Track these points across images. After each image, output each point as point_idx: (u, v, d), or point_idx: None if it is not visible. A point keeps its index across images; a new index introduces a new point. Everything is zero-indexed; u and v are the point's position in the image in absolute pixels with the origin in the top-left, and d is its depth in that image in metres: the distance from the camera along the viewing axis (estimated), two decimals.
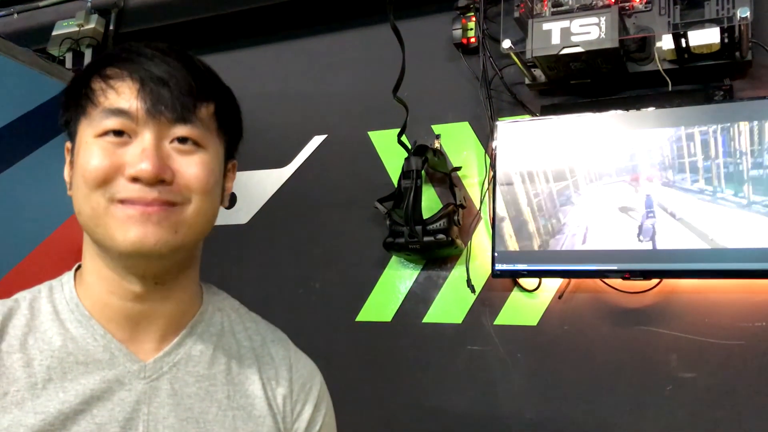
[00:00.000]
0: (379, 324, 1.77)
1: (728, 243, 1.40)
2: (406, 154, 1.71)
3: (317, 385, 0.89)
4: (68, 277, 0.79)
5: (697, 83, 1.55)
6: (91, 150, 0.72)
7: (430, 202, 1.78)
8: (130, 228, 0.70)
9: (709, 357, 1.43)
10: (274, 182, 2.00)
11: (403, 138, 1.68)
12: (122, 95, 0.72)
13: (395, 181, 1.82)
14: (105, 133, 0.71)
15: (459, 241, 1.67)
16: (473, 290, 1.64)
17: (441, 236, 1.64)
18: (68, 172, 0.77)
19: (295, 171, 2.00)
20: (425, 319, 1.73)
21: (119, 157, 0.71)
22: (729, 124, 1.44)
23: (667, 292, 1.49)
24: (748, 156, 1.42)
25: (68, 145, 0.77)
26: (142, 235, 0.70)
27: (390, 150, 1.87)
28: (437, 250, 1.66)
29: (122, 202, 0.70)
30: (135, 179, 0.70)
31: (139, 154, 0.71)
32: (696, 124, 1.47)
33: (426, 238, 1.64)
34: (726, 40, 1.41)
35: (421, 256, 1.74)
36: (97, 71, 0.74)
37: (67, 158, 0.78)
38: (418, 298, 1.75)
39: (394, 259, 1.80)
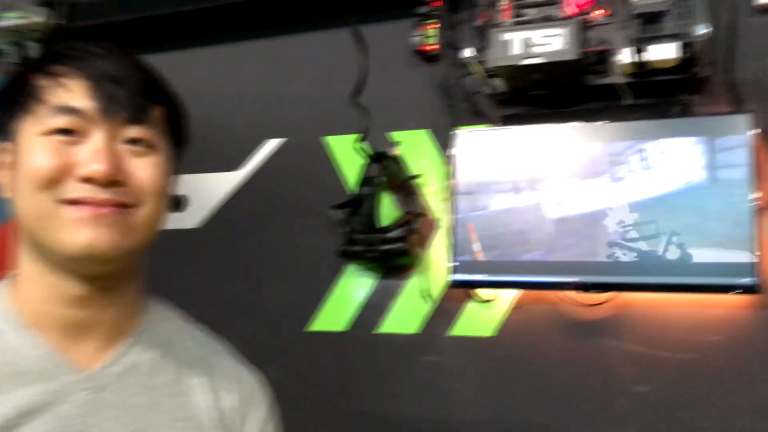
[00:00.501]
0: (333, 334, 1.73)
1: (685, 257, 1.41)
2: (363, 161, 1.68)
3: (265, 398, 0.88)
4: (2, 285, 0.75)
5: (655, 98, 1.56)
6: (36, 149, 0.69)
7: (389, 210, 1.75)
8: (81, 230, 0.68)
9: (664, 371, 1.43)
10: (227, 186, 1.94)
11: (363, 144, 1.65)
12: (73, 93, 0.70)
13: (352, 188, 1.79)
14: (52, 132, 0.69)
15: (417, 250, 1.64)
16: (431, 300, 1.62)
17: (400, 245, 1.61)
18: (4, 174, 0.73)
19: (249, 175, 1.95)
20: (380, 330, 1.70)
21: (69, 157, 0.69)
22: (685, 139, 1.45)
23: (622, 305, 1.49)
24: (703, 171, 1.43)
25: (5, 145, 0.73)
26: (93, 237, 0.68)
27: (348, 156, 1.84)
28: (395, 259, 1.64)
29: (72, 203, 0.68)
30: (87, 180, 0.68)
31: (91, 154, 0.69)
32: (653, 138, 1.49)
33: (384, 247, 1.61)
34: (684, 56, 1.43)
35: (378, 265, 1.71)
36: (43, 68, 0.71)
37: (3, 159, 0.73)
38: (374, 308, 1.71)
39: (349, 268, 1.76)
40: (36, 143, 0.69)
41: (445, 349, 1.62)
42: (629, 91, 1.53)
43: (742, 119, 1.41)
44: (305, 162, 1.89)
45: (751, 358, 1.37)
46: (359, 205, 1.67)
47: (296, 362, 1.74)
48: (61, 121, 0.69)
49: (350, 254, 1.64)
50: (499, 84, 1.65)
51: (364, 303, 1.72)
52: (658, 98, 1.56)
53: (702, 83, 1.51)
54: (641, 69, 1.48)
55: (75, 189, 0.68)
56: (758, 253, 1.36)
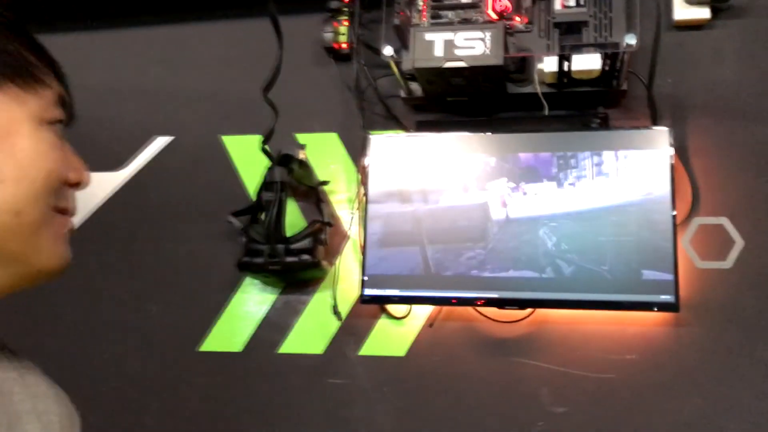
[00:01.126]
0: (227, 354, 1.56)
1: (603, 274, 1.37)
2: (263, 164, 1.53)
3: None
4: None
5: (574, 109, 1.52)
6: (45, 141, 0.60)
7: (293, 218, 1.60)
8: (62, 243, 0.65)
9: (580, 391, 1.38)
10: (108, 186, 1.72)
11: (267, 146, 1.50)
12: (57, 82, 0.64)
13: (252, 194, 1.63)
14: (54, 122, 0.62)
15: (325, 263, 1.51)
16: (339, 318, 1.49)
17: (306, 257, 1.47)
18: None
19: (134, 175, 1.74)
20: (281, 350, 1.55)
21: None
22: (605, 153, 1.42)
23: (539, 323, 1.44)
24: (622, 185, 1.41)
25: None
26: (68, 252, 0.66)
27: (246, 158, 1.68)
28: (300, 273, 1.49)
29: (62, 211, 0.64)
30: (76, 185, 0.65)
31: (77, 157, 0.65)
32: (571, 149, 1.44)
33: (288, 259, 1.47)
34: (607, 68, 1.39)
35: (280, 279, 1.56)
36: (32, 44, 0.62)
37: None
38: (274, 326, 1.56)
39: (247, 281, 1.60)
40: (41, 132, 0.60)
41: (353, 370, 1.49)
42: (548, 101, 1.49)
43: (661, 134, 1.40)
44: (199, 162, 1.71)
45: (670, 377, 1.35)
46: (260, 212, 1.52)
47: (187, 386, 1.55)
48: (61, 113, 0.63)
49: (249, 266, 1.48)
50: (416, 87, 1.56)
51: (264, 320, 1.57)
52: (577, 110, 1.52)
53: (620, 96, 1.49)
54: (563, 79, 1.44)
55: (66, 195, 0.64)
56: (676, 270, 1.34)
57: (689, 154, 1.47)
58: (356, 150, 1.61)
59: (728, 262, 1.40)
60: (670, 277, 1.34)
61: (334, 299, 1.49)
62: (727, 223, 1.42)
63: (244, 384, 1.54)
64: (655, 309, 1.34)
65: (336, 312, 1.49)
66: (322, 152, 1.66)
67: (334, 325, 1.52)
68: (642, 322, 1.39)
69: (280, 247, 1.47)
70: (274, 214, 1.47)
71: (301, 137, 1.67)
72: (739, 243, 1.40)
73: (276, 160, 1.52)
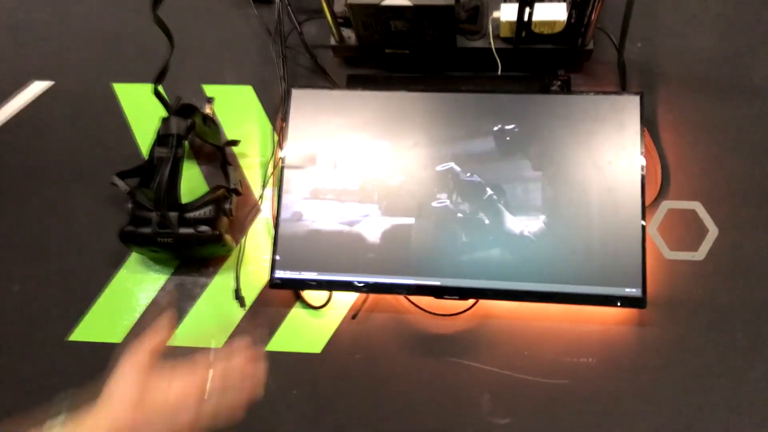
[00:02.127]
0: (105, 346, 1.26)
1: (560, 261, 1.15)
2: (163, 115, 1.25)
3: None
4: None
5: (532, 70, 1.31)
6: None
7: (195, 184, 1.33)
8: None
9: (528, 398, 1.16)
10: None
11: (161, 89, 1.21)
12: None
13: (145, 153, 1.35)
14: None
15: (228, 238, 1.24)
16: (242, 304, 1.22)
17: (204, 228, 1.20)
18: None
19: (2, 125, 1.42)
20: (174, 342, 1.26)
21: None
22: (564, 120, 1.21)
23: (482, 317, 1.21)
24: (586, 159, 1.20)
25: None
26: None
27: (141, 111, 1.40)
28: (198, 248, 1.22)
29: None
30: None
31: None
32: (527, 115, 1.22)
33: (183, 230, 1.19)
34: (573, 20, 1.18)
35: (174, 255, 1.28)
36: None
37: None
38: (166, 314, 1.28)
39: (133, 257, 1.31)
40: None
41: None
42: (503, 59, 1.27)
43: (632, 102, 1.19)
44: (83, 113, 1.42)
45: (631, 384, 1.15)
46: (152, 173, 1.23)
47: (52, 383, 1.24)
48: None
49: (134, 237, 1.20)
50: (349, 35, 1.31)
51: (151, 305, 1.28)
52: (534, 71, 1.31)
53: (586, 58, 1.28)
54: (521, 33, 1.22)
55: None
56: (644, 260, 1.14)
57: (659, 129, 1.28)
58: (274, 107, 1.35)
59: (700, 253, 1.21)
60: (636, 267, 1.14)
61: (237, 282, 1.23)
62: (700, 208, 1.23)
63: None
64: (619, 304, 1.14)
65: (238, 297, 1.22)
66: (234, 108, 1.39)
67: (237, 314, 1.25)
68: (602, 320, 1.19)
69: (173, 215, 1.19)
70: (167, 174, 1.19)
71: (210, 89, 1.40)
72: (713, 231, 1.21)
73: (173, 109, 1.24)
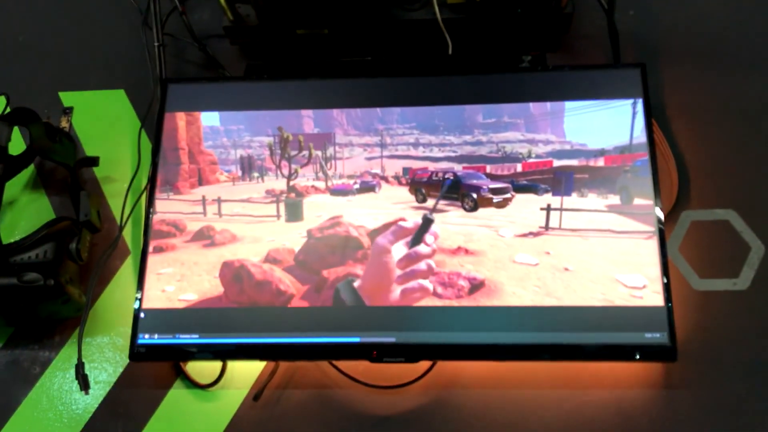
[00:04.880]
0: None
1: (545, 305, 0.80)
2: None
3: None
4: None
5: (492, 49, 0.99)
6: None
7: (36, 217, 0.96)
8: None
9: None
10: None
11: None
12: None
13: None
14: None
15: (75, 290, 0.86)
16: (84, 386, 0.82)
17: (33, 276, 0.82)
18: None
19: None
20: None
21: None
22: (541, 106, 0.88)
23: (442, 386, 0.84)
24: (566, 153, 0.87)
25: None
26: None
27: None
28: (29, 306, 0.84)
29: None
30: None
31: None
32: (492, 101, 0.89)
33: (1, 280, 0.81)
34: None
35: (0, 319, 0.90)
36: None
37: None
38: None
39: None
40: None
41: None
42: (452, 34, 0.94)
43: (631, 78, 0.87)
44: None
45: None
46: None
47: None
48: None
49: None
50: (247, 11, 0.98)
51: None
52: (494, 49, 0.99)
53: (564, 29, 0.96)
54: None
55: None
56: (669, 292, 0.79)
57: (667, 116, 0.95)
58: (152, 114, 1.00)
59: (743, 280, 0.86)
60: (659, 301, 0.79)
61: (79, 352, 0.83)
62: (735, 218, 0.89)
63: None
64: (638, 357, 0.78)
65: (81, 375, 0.82)
66: (102, 118, 1.04)
67: (88, 403, 0.86)
68: (615, 382, 0.82)
69: None
70: None
71: (69, 97, 1.05)
72: (756, 248, 0.87)
73: (3, 113, 0.89)
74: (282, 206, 0.92)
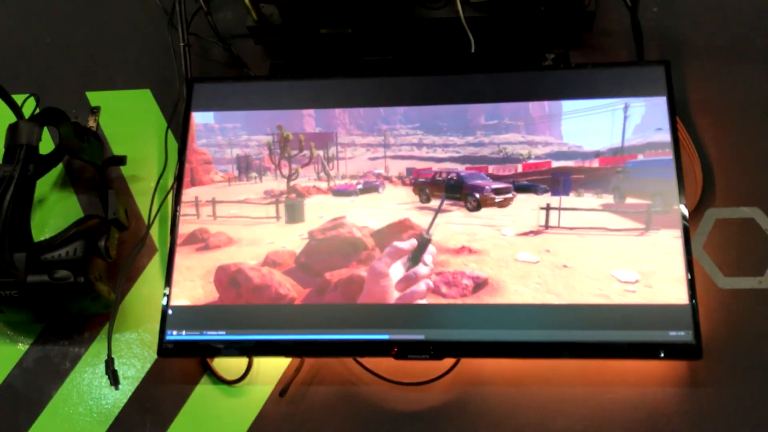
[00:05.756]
0: None
1: (566, 303, 0.80)
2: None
3: None
4: None
5: (515, 47, 0.99)
6: None
7: (71, 218, 0.98)
8: None
9: None
10: None
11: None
12: None
13: None
14: None
15: (104, 287, 0.88)
16: (115, 381, 0.84)
17: (64, 273, 0.84)
18: None
19: None
20: None
21: None
22: (569, 104, 0.88)
23: (466, 383, 0.84)
24: (589, 151, 0.87)
25: None
26: None
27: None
28: (60, 303, 0.85)
29: None
30: None
31: None
32: (513, 100, 0.90)
33: (33, 277, 0.83)
34: None
35: (30, 315, 0.92)
36: None
37: None
38: (18, 399, 0.90)
39: None
40: None
41: None
42: (475, 33, 0.95)
43: (655, 75, 0.87)
44: None
45: None
46: None
47: None
48: None
49: None
50: (271, 11, 0.99)
51: (1, 389, 0.91)
52: (518, 47, 0.99)
53: (586, 27, 0.96)
54: None
55: None
56: (693, 290, 0.79)
57: (691, 113, 0.95)
58: (178, 113, 1.01)
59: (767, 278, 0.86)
60: (683, 299, 0.79)
61: (109, 348, 0.85)
62: (761, 216, 0.89)
63: None
64: (662, 355, 0.78)
65: (111, 371, 0.84)
66: (128, 118, 1.06)
67: (116, 398, 0.88)
68: (639, 380, 0.82)
69: (19, 256, 0.84)
70: (9, 199, 0.83)
71: (96, 97, 1.07)
72: None
73: (34, 114, 0.91)
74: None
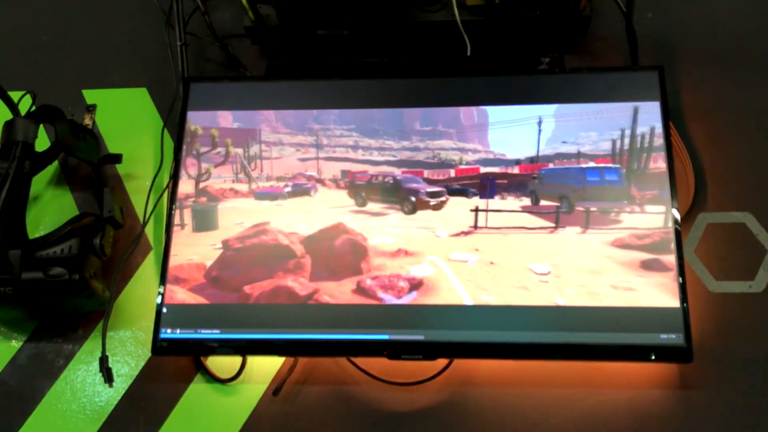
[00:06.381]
0: None
1: (560, 305, 0.81)
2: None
3: None
4: None
5: (510, 50, 1.00)
6: None
7: (66, 215, 0.98)
8: None
9: None
10: None
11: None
12: None
13: None
14: None
15: (98, 285, 0.88)
16: (109, 380, 0.84)
17: (58, 271, 0.84)
18: None
19: None
20: None
21: None
22: (562, 108, 0.89)
23: (459, 383, 0.85)
24: (583, 155, 0.88)
25: None
26: None
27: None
28: (54, 300, 0.86)
29: None
30: None
31: None
32: (507, 103, 0.90)
33: (27, 274, 0.83)
34: None
35: (24, 312, 0.92)
36: None
37: None
38: (12, 396, 0.90)
39: None
40: None
41: None
42: (471, 36, 0.95)
43: (649, 80, 0.88)
44: None
45: None
46: None
47: None
48: None
49: None
50: (268, 12, 1.00)
51: None
52: (513, 50, 1.00)
53: (581, 31, 0.97)
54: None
55: None
56: (685, 293, 0.80)
57: (684, 118, 0.96)
58: (174, 112, 1.02)
59: (758, 283, 0.87)
60: (674, 303, 0.80)
61: (103, 346, 0.85)
62: (752, 221, 0.90)
63: None
64: (653, 357, 0.79)
65: (105, 368, 0.84)
66: (125, 116, 1.06)
67: (111, 395, 0.88)
68: (631, 382, 0.83)
69: (14, 253, 0.84)
70: (3, 197, 0.84)
71: (92, 95, 1.07)
72: None
73: (29, 111, 0.91)
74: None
